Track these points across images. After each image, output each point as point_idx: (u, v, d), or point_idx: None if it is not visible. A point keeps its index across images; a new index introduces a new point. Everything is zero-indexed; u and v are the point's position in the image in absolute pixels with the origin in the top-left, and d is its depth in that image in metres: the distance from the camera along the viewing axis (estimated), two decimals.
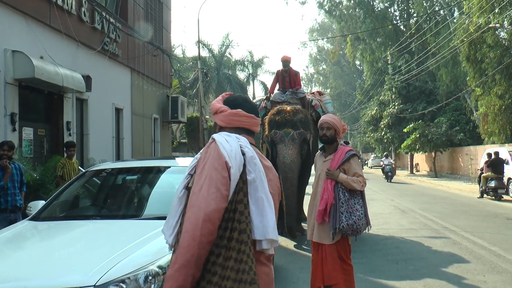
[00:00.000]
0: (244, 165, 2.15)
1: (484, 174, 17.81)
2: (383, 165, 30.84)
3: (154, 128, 20.17)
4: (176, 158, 6.15)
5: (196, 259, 1.98)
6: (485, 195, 18.00)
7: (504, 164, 18.03)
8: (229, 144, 2.17)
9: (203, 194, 2.02)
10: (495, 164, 17.49)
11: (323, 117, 5.19)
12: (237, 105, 2.40)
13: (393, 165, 30.67)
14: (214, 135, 2.23)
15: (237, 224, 2.05)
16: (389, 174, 29.50)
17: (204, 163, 2.13)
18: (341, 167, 4.90)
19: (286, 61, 10.82)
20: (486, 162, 18.00)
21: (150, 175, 5.67)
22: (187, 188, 2.18)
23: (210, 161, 2.11)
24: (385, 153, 33.13)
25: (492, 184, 17.29)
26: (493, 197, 17.43)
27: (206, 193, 2.02)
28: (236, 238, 2.04)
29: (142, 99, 18.47)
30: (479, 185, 18.36)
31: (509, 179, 17.92)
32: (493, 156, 17.89)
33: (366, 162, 55.20)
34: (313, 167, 5.80)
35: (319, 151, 5.36)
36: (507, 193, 17.77)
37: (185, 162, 5.49)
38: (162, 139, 21.22)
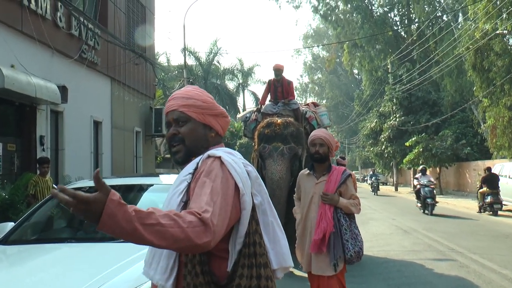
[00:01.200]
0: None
1: (480, 190, 19.26)
2: (418, 186, 20.53)
3: (136, 143, 20.09)
4: (160, 175, 6.10)
5: (159, 246, 1.75)
6: (483, 211, 19.30)
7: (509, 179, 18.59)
8: (238, 165, 2.06)
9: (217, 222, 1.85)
10: (490, 179, 18.85)
11: (315, 132, 5.07)
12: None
13: (435, 187, 20.79)
14: (219, 153, 2.07)
15: (260, 259, 2.00)
16: (427, 202, 19.61)
17: (211, 185, 1.93)
18: (338, 190, 4.79)
19: (278, 70, 10.84)
20: (482, 178, 19.55)
21: (132, 194, 5.62)
22: None
23: (221, 187, 1.94)
24: (421, 167, 23.31)
25: (488, 199, 18.65)
26: (491, 212, 18.70)
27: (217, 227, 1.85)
28: (264, 275, 1.99)
29: (123, 111, 18.42)
30: (478, 200, 19.92)
31: None
32: (487, 172, 19.58)
33: (365, 178, 55.11)
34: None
35: (306, 170, 5.13)
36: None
37: (169, 179, 5.46)
38: (145, 155, 21.15)
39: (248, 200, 2.01)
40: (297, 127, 9.46)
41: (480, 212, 19.39)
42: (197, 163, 2.10)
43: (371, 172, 42.64)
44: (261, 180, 2.16)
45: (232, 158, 2.08)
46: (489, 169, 19.71)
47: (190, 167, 2.13)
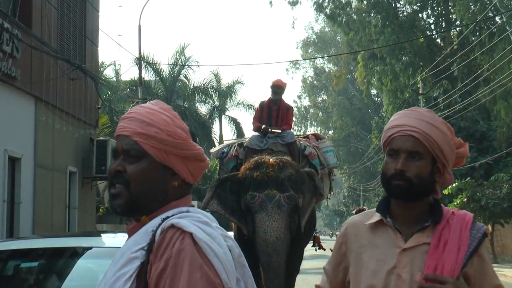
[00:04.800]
0: None
1: None
2: None
3: (69, 188, 19.90)
4: (102, 235, 5.99)
5: None
6: None
7: None
8: (219, 244, 1.95)
9: None
10: None
11: (400, 116, 3.03)
12: (193, 139, 2.22)
13: None
14: (189, 225, 1.96)
15: None
16: None
17: None
18: (463, 270, 2.83)
19: (279, 87, 10.86)
20: None
21: (60, 261, 5.51)
22: None
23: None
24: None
25: None
26: None
27: None
28: None
29: (52, 143, 18.27)
30: None
31: None
32: None
33: None
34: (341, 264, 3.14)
35: (370, 215, 3.09)
36: None
37: (115, 240, 5.35)
38: (82, 205, 20.93)
39: None
40: (296, 169, 9.39)
41: None
42: (153, 234, 1.97)
43: None
44: (244, 259, 2.08)
45: (209, 231, 1.96)
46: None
47: (140, 237, 2.00)
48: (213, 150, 11.76)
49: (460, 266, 2.75)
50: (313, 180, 9.67)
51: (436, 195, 2.98)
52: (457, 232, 2.83)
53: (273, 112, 10.76)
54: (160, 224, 1.98)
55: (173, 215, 2.01)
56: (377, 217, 2.96)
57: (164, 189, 2.11)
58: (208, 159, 2.27)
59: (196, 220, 1.98)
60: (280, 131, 10.50)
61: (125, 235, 2.17)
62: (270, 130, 10.44)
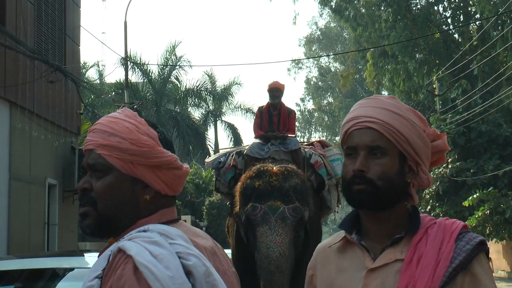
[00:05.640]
0: None
1: None
2: None
3: (48, 202, 19.84)
4: (85, 254, 5.95)
5: None
6: None
7: None
8: (165, 265, 1.90)
9: None
10: None
11: (356, 107, 2.72)
12: (169, 147, 2.23)
13: None
14: (133, 247, 1.93)
15: None
16: None
17: None
18: None
19: (277, 90, 10.86)
20: None
21: (39, 284, 5.52)
22: None
23: None
24: None
25: None
26: None
27: None
28: None
29: (28, 153, 18.24)
30: None
31: None
32: None
33: None
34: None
35: (337, 237, 2.80)
36: None
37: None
38: (63, 221, 20.88)
39: None
40: (302, 179, 9.37)
41: None
42: (108, 259, 1.97)
43: None
44: (215, 276, 2.04)
45: (157, 252, 1.92)
46: None
47: (99, 263, 2.02)
48: (208, 159, 11.74)
49: (437, 285, 2.39)
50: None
51: (412, 201, 2.67)
52: (436, 244, 2.49)
53: (273, 118, 10.75)
54: (113, 248, 2.00)
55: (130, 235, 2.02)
56: (341, 236, 2.70)
57: (135, 205, 2.12)
58: (185, 165, 2.26)
59: (144, 241, 1.96)
60: (289, 135, 10.54)
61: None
62: (277, 134, 10.47)
